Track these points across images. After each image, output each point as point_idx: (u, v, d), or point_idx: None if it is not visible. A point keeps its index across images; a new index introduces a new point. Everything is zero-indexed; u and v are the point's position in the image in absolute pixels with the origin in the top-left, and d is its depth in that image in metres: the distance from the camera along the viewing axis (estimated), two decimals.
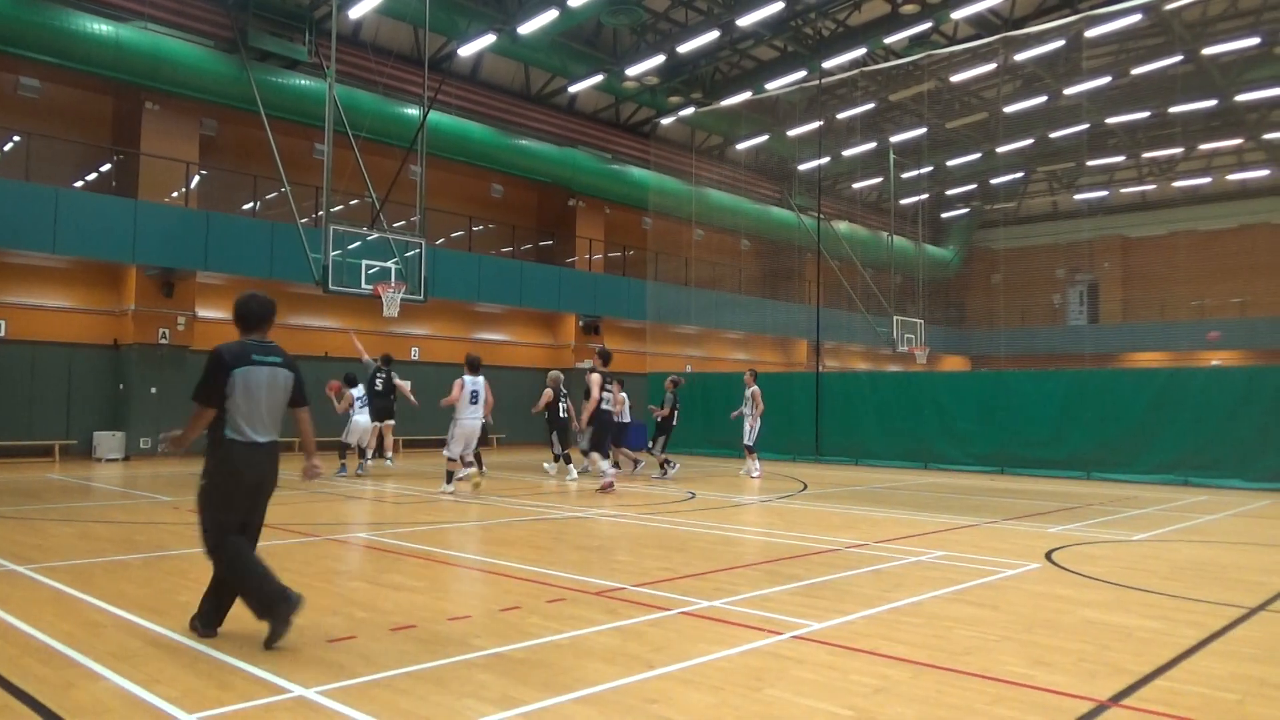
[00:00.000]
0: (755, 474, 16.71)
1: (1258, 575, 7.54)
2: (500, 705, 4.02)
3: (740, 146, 31.94)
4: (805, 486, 15.28)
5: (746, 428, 16.99)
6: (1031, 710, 4.07)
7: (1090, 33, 23.89)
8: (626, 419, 16.92)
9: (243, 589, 5.00)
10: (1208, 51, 26.11)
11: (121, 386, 19.82)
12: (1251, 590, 6.86)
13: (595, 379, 13.58)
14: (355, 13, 20.07)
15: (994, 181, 39.14)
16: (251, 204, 22.73)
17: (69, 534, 8.90)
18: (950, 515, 11.42)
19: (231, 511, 5.12)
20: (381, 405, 16.21)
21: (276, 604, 4.85)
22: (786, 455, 21.96)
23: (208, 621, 5.14)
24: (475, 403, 12.75)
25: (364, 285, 17.87)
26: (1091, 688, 4.40)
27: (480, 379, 12.91)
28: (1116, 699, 4.24)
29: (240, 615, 5.62)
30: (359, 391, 15.99)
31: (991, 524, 10.61)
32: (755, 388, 17.00)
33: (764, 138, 31.32)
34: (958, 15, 22.60)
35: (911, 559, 8.06)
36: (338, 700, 4.06)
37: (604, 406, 13.74)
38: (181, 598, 6.14)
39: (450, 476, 12.87)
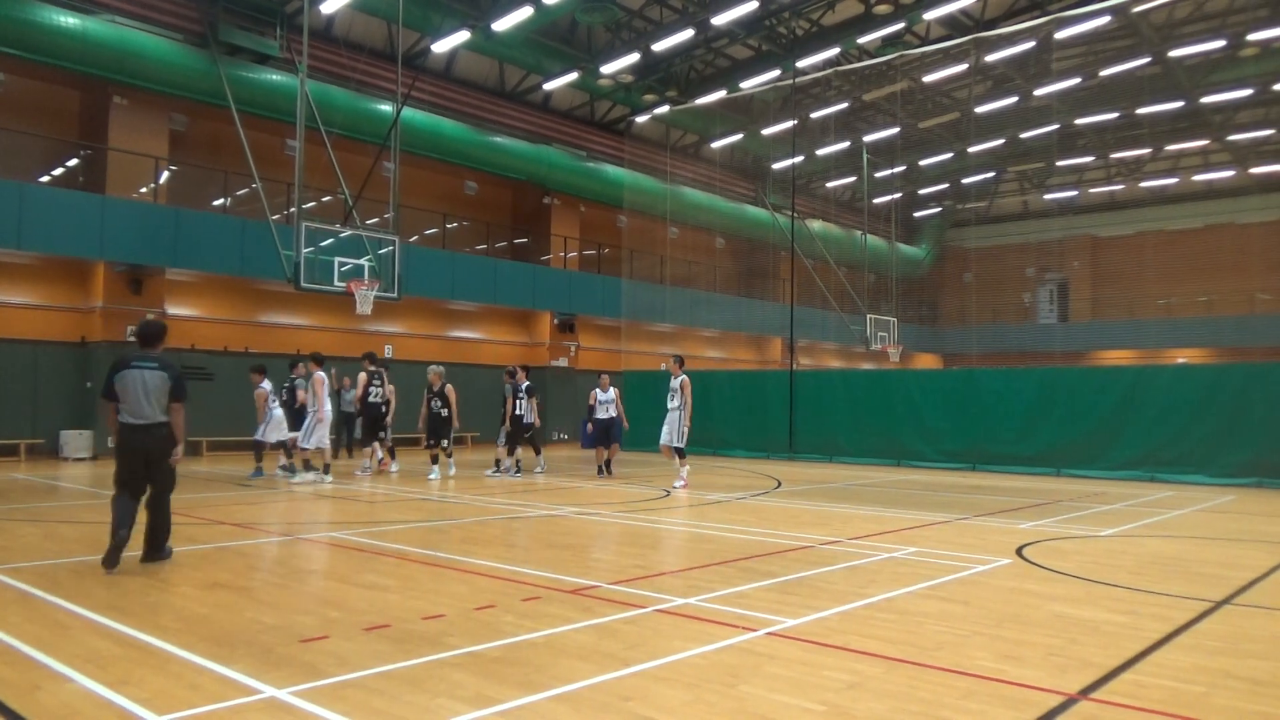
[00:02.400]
0: (680, 484, 14.15)
1: (1222, 569, 7.68)
2: (475, 704, 4.01)
3: (715, 145, 32.01)
4: (779, 484, 15.35)
5: (677, 426, 14.45)
6: (1002, 704, 4.12)
7: (1060, 34, 24.19)
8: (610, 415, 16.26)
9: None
10: (1174, 54, 26.50)
11: (89, 384, 19.51)
12: (1216, 584, 6.98)
13: (362, 377, 15.86)
14: (328, 7, 19.88)
15: (965, 181, 39.52)
16: (222, 200, 22.46)
17: (35, 534, 8.77)
18: (922, 512, 11.52)
19: (132, 470, 7.14)
20: (292, 416, 15.03)
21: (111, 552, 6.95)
22: (760, 453, 22.06)
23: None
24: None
25: (337, 283, 17.73)
26: (1061, 681, 4.46)
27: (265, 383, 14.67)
28: (1085, 692, 4.30)
29: (210, 616, 5.57)
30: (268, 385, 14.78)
31: (963, 520, 10.71)
32: (684, 377, 14.59)
33: (738, 136, 31.40)
34: (930, 16, 22.79)
35: (884, 555, 8.12)
36: (310, 701, 4.03)
37: (371, 399, 15.77)
38: (150, 598, 6.07)
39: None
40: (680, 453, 14.50)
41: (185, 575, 6.99)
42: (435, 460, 15.09)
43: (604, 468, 16.21)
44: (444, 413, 15.05)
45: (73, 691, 4.17)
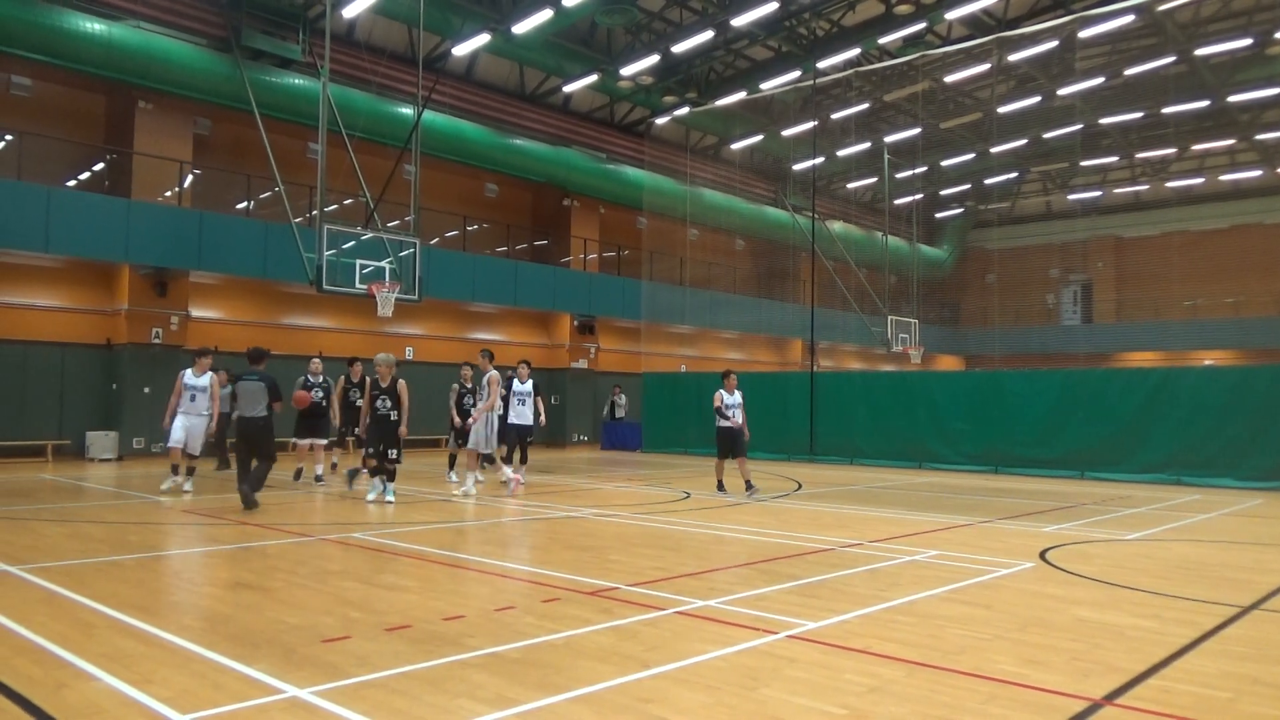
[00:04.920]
0: (513, 486, 13.18)
1: (1249, 574, 7.57)
2: (495, 705, 4.02)
3: (735, 146, 31.95)
4: (800, 486, 15.29)
5: (490, 427, 13.22)
6: (1025, 709, 4.08)
7: (1083, 33, 23.97)
8: (738, 421, 13.60)
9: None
10: (1200, 52, 26.21)
11: (114, 386, 19.77)
12: (1243, 589, 6.88)
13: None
14: (349, 11, 20.02)
15: (988, 181, 39.24)
16: (245, 203, 22.66)
17: (61, 534, 8.87)
18: (944, 515, 11.44)
19: (241, 448, 10.98)
20: (313, 422, 14.27)
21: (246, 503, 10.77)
22: (781, 455, 21.97)
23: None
24: (193, 400, 12.80)
25: (358, 285, 17.83)
26: (1084, 686, 4.41)
27: (204, 378, 12.87)
28: (1110, 698, 4.25)
29: (233, 616, 5.61)
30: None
31: (985, 523, 10.63)
32: (493, 373, 13.15)
33: (758, 137, 31.34)
34: (951, 16, 22.64)
35: (905, 558, 8.07)
36: (331, 700, 4.05)
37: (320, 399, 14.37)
38: (174, 597, 6.13)
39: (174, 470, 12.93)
40: (489, 458, 13.18)
41: (209, 575, 7.05)
42: (374, 474, 12.14)
43: (723, 485, 13.80)
44: (393, 415, 11.94)
45: (97, 690, 4.21)
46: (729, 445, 13.48)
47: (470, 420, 13.24)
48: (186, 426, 12.71)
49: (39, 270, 19.39)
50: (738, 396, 13.55)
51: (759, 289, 35.17)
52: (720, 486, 13.78)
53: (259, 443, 10.86)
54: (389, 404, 11.93)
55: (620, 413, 26.71)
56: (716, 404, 13.49)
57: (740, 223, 32.77)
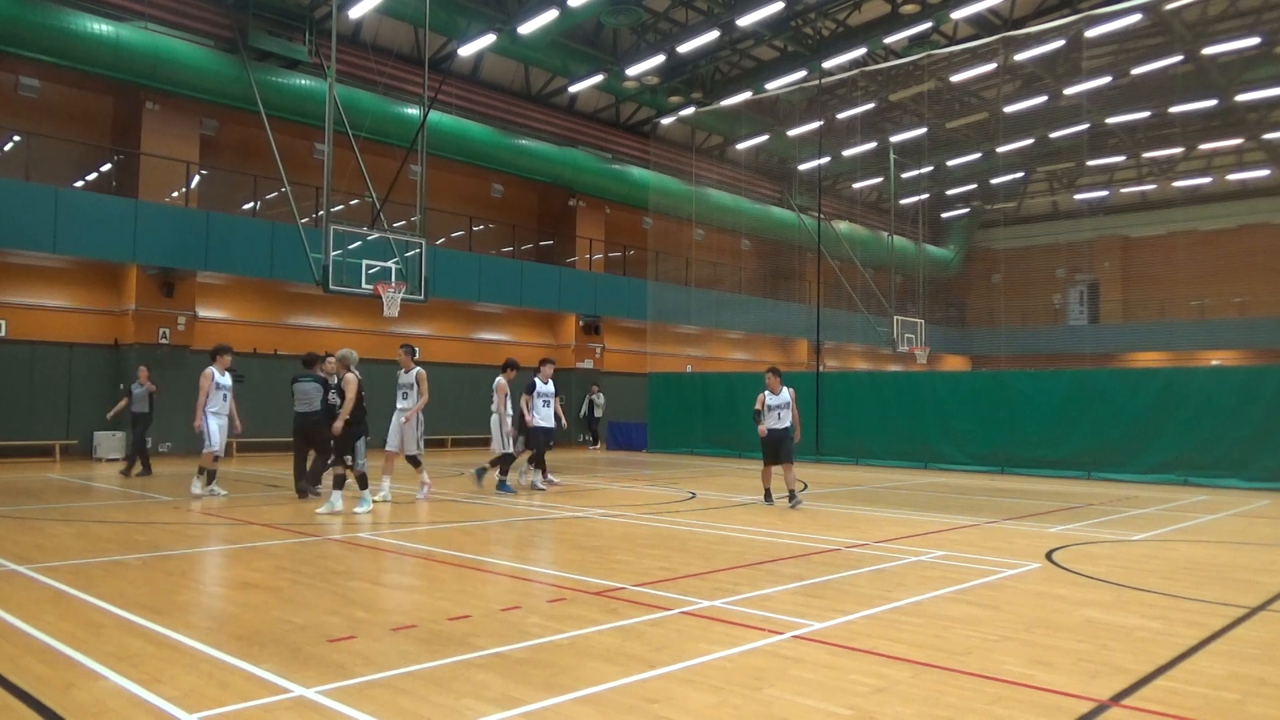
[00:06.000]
0: (421, 494, 12.38)
1: (1257, 575, 7.54)
2: (500, 705, 4.02)
3: (740, 146, 31.94)
4: (805, 486, 15.28)
5: (411, 428, 12.26)
6: (1031, 710, 4.07)
7: (1090, 33, 23.90)
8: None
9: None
10: (1208, 51, 26.13)
11: (122, 386, 19.80)
12: (1251, 590, 6.86)
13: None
14: (355, 12, 20.05)
15: (994, 181, 39.17)
16: (252, 204, 22.73)
17: (69, 534, 8.90)
18: (950, 515, 11.42)
19: (298, 443, 12.30)
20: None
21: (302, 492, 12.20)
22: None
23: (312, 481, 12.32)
24: (225, 400, 12.41)
25: (364, 285, 17.88)
26: (1091, 687, 4.40)
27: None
28: (1117, 699, 4.24)
29: (240, 616, 5.63)
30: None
31: (991, 524, 10.60)
32: (419, 370, 12.37)
33: (764, 137, 31.32)
34: (957, 15, 22.61)
35: (911, 559, 8.06)
36: (338, 700, 4.06)
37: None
38: (181, 597, 6.14)
39: (211, 476, 12.42)
40: (415, 460, 12.35)
41: (216, 575, 7.08)
42: (364, 485, 11.21)
43: (770, 494, 12.54)
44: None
45: (105, 689, 4.23)
46: (772, 450, 12.14)
47: (404, 420, 12.19)
48: (221, 427, 12.30)
49: (47, 271, 19.46)
50: (784, 395, 12.14)
51: (765, 289, 35.15)
52: (767, 496, 12.52)
53: (315, 437, 11.82)
54: (338, 401, 10.89)
55: (599, 412, 26.62)
56: (757, 406, 12.25)
57: (746, 223, 32.76)
